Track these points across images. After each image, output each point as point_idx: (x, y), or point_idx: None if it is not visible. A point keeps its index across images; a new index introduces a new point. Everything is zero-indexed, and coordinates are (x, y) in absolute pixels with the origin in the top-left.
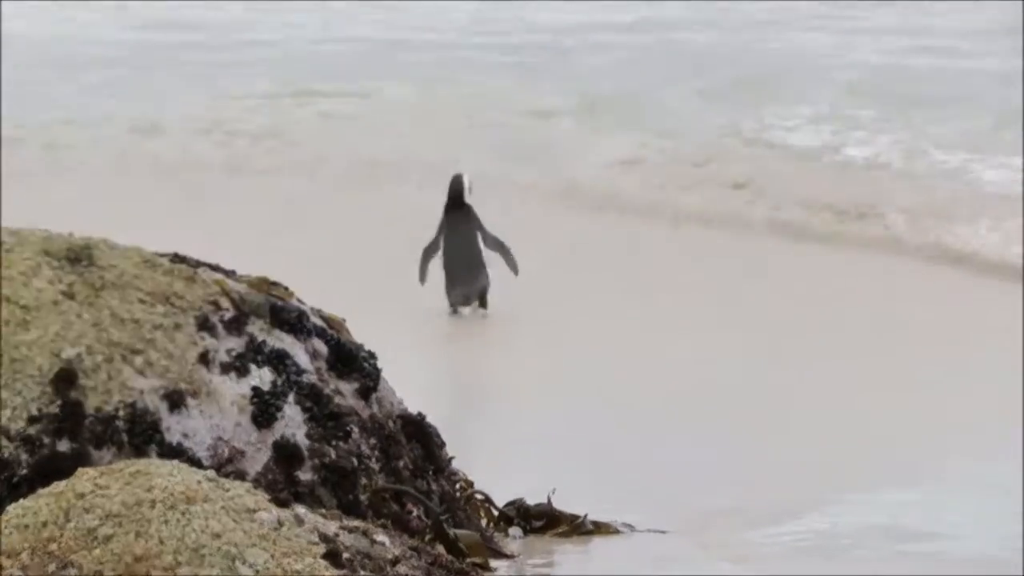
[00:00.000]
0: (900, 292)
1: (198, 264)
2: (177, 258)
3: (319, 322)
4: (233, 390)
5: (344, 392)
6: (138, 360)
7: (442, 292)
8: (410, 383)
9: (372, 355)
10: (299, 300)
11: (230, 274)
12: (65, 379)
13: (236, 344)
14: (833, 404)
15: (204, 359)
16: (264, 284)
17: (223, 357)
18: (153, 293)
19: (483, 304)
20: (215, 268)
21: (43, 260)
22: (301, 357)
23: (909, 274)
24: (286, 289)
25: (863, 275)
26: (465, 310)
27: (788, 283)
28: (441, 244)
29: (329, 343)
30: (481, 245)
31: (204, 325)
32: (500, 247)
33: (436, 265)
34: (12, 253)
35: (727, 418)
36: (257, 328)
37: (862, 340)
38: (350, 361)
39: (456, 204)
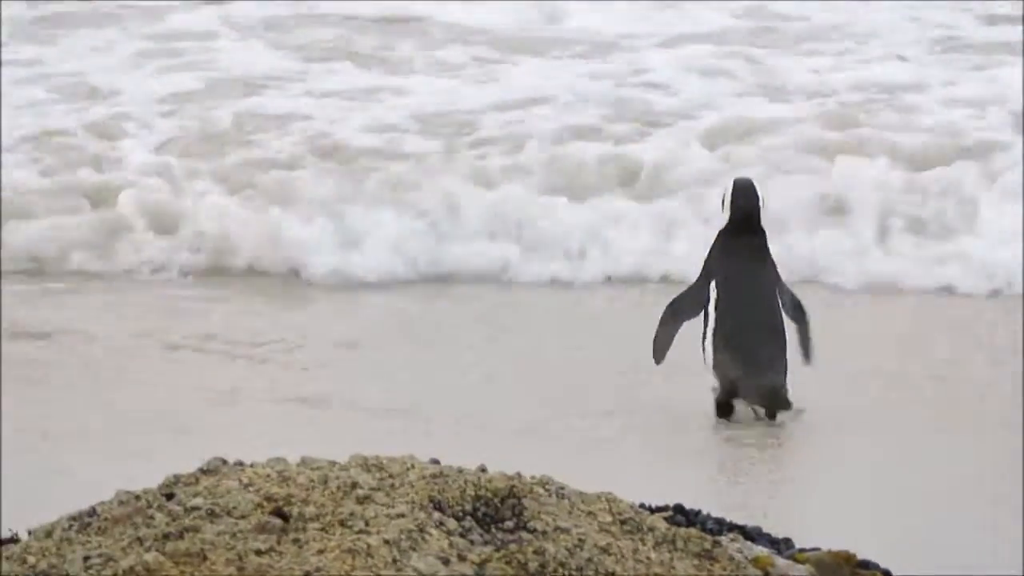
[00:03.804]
0: None
1: (721, 527)
2: (680, 514)
3: None
4: None
5: None
6: None
7: (703, 383)
8: None
9: None
10: None
11: (779, 545)
12: None
13: None
14: None
15: None
16: (842, 563)
17: None
18: None
19: (774, 410)
20: (752, 533)
21: (429, 517)
22: None
23: None
24: (885, 574)
25: None
26: (747, 413)
27: None
28: (714, 297)
29: None
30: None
31: None
32: (798, 314)
33: (690, 336)
34: (372, 503)
35: None
36: None
37: None
38: None
39: (746, 228)
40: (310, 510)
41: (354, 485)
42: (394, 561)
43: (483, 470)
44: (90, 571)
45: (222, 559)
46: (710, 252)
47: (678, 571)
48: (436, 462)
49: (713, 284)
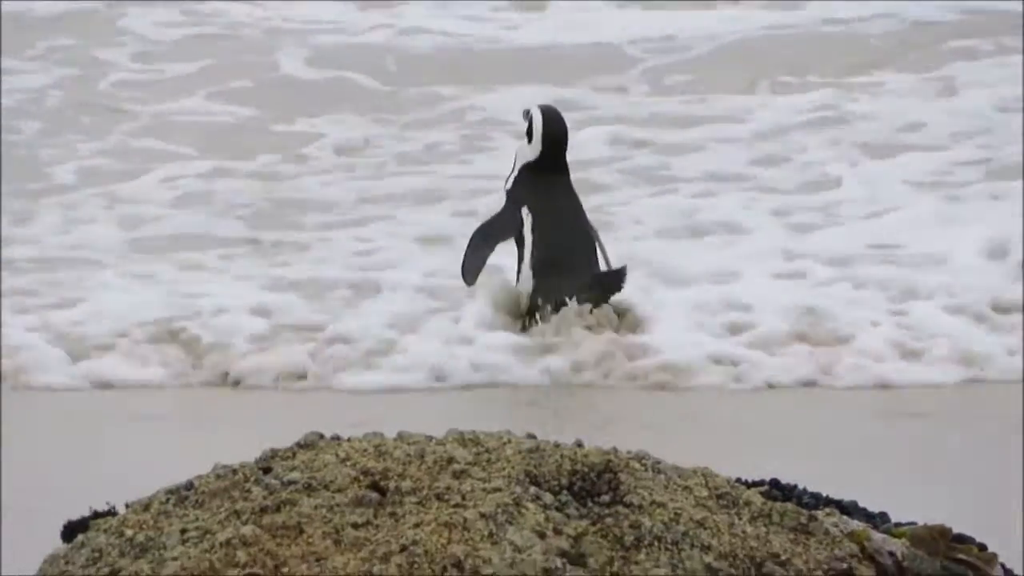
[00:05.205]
0: None
1: (818, 501)
2: (776, 488)
3: None
4: None
5: None
6: None
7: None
8: None
9: None
10: (1007, 570)
11: (875, 519)
12: None
13: None
14: None
15: None
16: (938, 538)
17: None
18: (730, 556)
19: (609, 294)
20: (848, 507)
21: (526, 491)
22: None
23: None
24: (981, 548)
25: None
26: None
27: None
28: (529, 221)
29: None
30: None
31: None
32: (595, 233)
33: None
34: (468, 478)
35: None
36: None
37: None
38: None
39: (555, 156)
40: (407, 484)
41: (450, 460)
42: (490, 535)
43: (579, 445)
44: (187, 543)
45: (319, 532)
46: (516, 179)
47: (774, 545)
48: (532, 437)
49: (525, 209)
